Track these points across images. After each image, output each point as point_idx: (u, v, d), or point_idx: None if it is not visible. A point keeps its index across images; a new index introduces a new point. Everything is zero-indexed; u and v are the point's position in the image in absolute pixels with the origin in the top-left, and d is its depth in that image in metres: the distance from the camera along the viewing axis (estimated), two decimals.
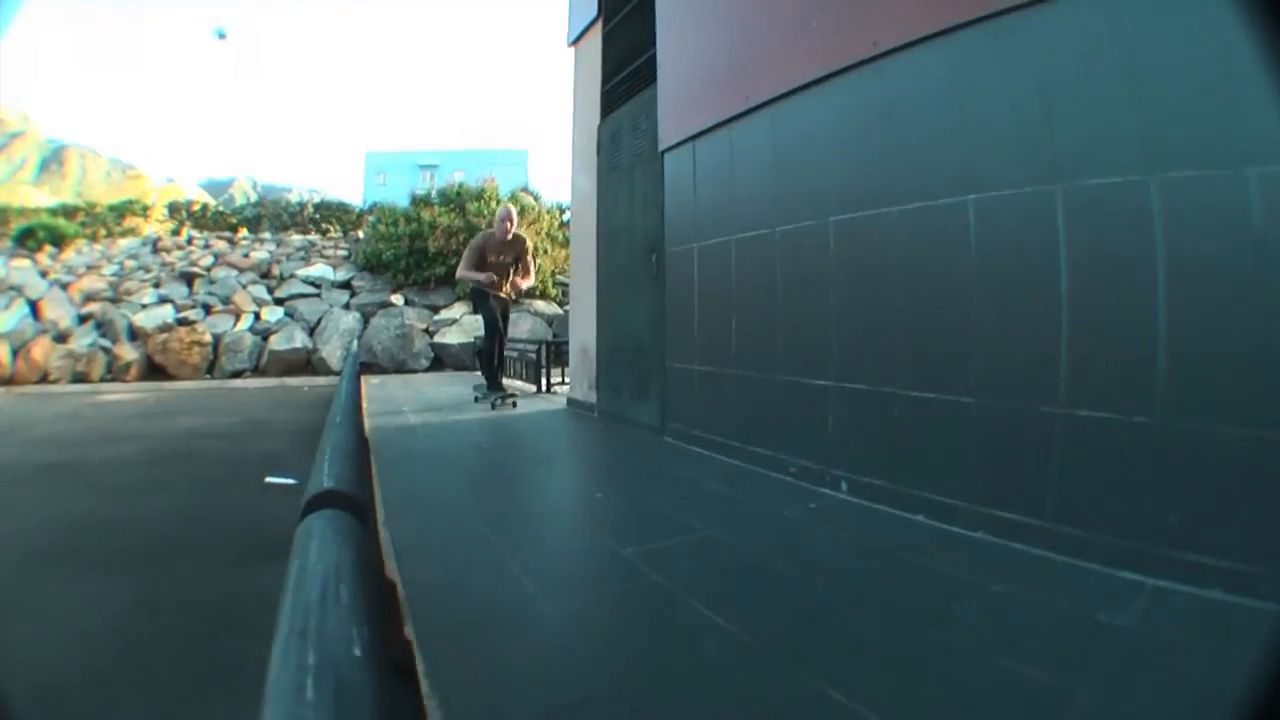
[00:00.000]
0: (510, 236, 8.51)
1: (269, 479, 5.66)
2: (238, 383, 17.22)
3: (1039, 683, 1.99)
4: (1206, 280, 2.61)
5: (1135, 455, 2.77)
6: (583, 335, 8.36)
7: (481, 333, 9.69)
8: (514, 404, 8.72)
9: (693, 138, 5.66)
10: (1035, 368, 3.11)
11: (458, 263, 26.08)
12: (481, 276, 8.30)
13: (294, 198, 34.98)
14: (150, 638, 2.91)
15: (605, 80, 7.73)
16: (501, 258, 8.53)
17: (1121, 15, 2.85)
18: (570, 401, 8.77)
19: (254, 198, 39.34)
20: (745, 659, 2.20)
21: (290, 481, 5.44)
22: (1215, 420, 2.56)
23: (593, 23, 8.16)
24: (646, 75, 6.60)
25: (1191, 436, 2.62)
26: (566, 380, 10.03)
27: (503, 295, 8.71)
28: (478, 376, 9.90)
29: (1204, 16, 2.59)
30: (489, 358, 8.96)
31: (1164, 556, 2.62)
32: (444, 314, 20.93)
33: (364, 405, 8.38)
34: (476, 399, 8.95)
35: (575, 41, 8.80)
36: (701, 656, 2.22)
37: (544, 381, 11.26)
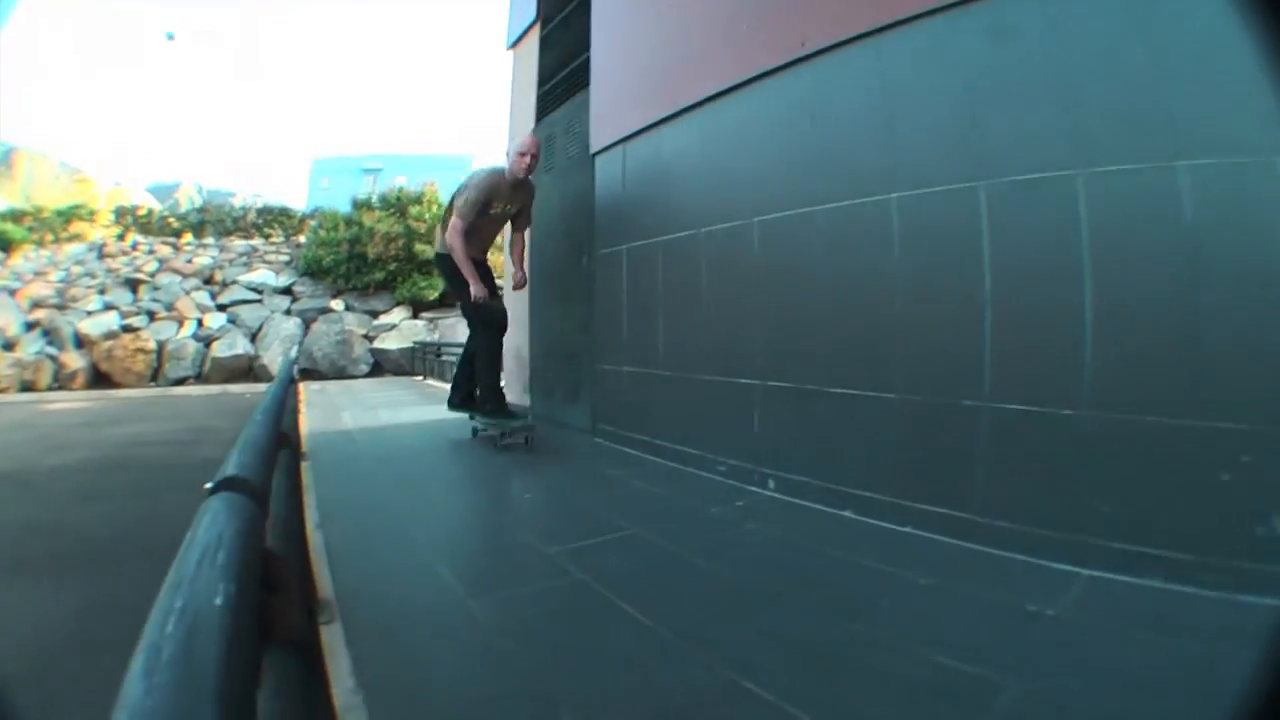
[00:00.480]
0: (527, 176, 5.69)
1: (208, 485, 5.47)
2: (181, 390, 17.21)
3: (966, 674, 1.92)
4: (1134, 273, 2.56)
5: (1063, 447, 2.71)
6: (516, 339, 8.09)
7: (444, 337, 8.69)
8: (528, 440, 5.60)
9: (623, 140, 5.52)
10: (958, 362, 3.04)
11: (397, 269, 25.33)
12: (476, 287, 5.39)
13: (238, 202, 34.46)
14: (101, 640, 2.78)
15: (541, 84, 7.58)
16: (507, 208, 5.77)
17: (1052, 15, 2.79)
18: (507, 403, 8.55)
19: (199, 202, 38.55)
20: (664, 653, 2.13)
21: None
22: (1146, 411, 2.50)
23: (531, 26, 8.01)
24: (581, 79, 6.46)
25: (1121, 428, 2.56)
26: (503, 383, 9.88)
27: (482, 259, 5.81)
28: (421, 384, 9.21)
29: (1136, 15, 2.55)
30: (490, 368, 5.79)
31: (1098, 547, 2.55)
32: (383, 319, 20.77)
33: (302, 410, 8.21)
34: (476, 433, 6.05)
35: (514, 45, 8.64)
36: (621, 651, 2.15)
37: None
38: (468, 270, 5.41)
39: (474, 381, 5.91)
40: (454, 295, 5.99)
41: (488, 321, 5.69)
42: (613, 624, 2.34)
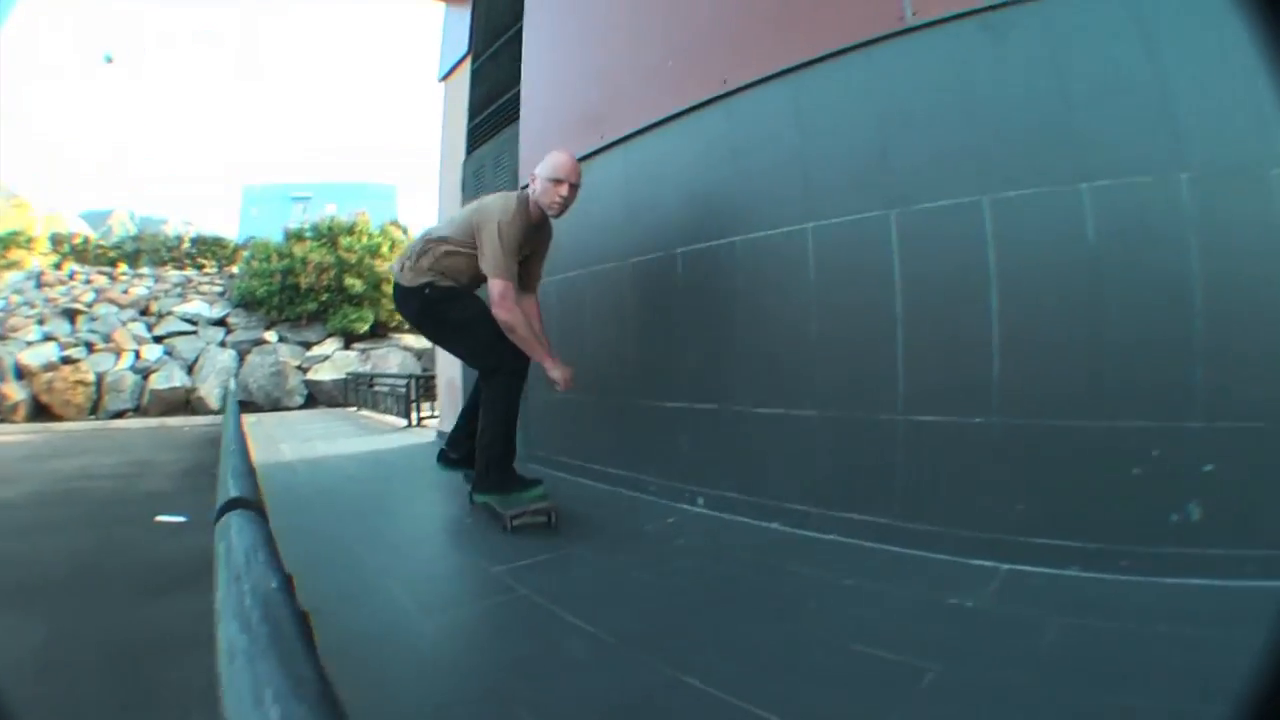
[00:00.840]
0: (560, 213, 3.90)
1: (159, 518, 5.59)
2: (120, 423, 16.90)
3: (890, 661, 2.00)
4: (1040, 288, 2.70)
5: (976, 453, 2.81)
6: (450, 369, 8.08)
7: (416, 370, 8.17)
8: (551, 519, 3.74)
9: None
10: (873, 379, 3.13)
11: (329, 300, 25.02)
12: (559, 371, 3.83)
13: (170, 230, 33.79)
14: (74, 668, 2.83)
15: (472, 116, 7.55)
16: (529, 245, 4.00)
17: (961, 51, 2.93)
18: (440, 434, 8.43)
19: (132, 230, 37.60)
20: (608, 656, 2.20)
21: (180, 519, 5.51)
22: (1056, 415, 2.63)
23: (462, 59, 8.02)
24: (511, 112, 6.45)
25: (1032, 432, 2.68)
26: (436, 413, 9.84)
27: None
28: (355, 415, 8.84)
29: (1043, 48, 2.72)
30: (500, 435, 3.85)
31: (1016, 543, 2.65)
32: (316, 350, 20.53)
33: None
34: (474, 501, 4.08)
35: (446, 77, 8.64)
36: (568, 657, 2.22)
37: (413, 415, 11.02)
38: (538, 351, 3.77)
39: (481, 435, 3.91)
40: (433, 337, 4.45)
41: (500, 367, 3.80)
42: (559, 633, 2.40)
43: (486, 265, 3.67)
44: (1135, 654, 1.93)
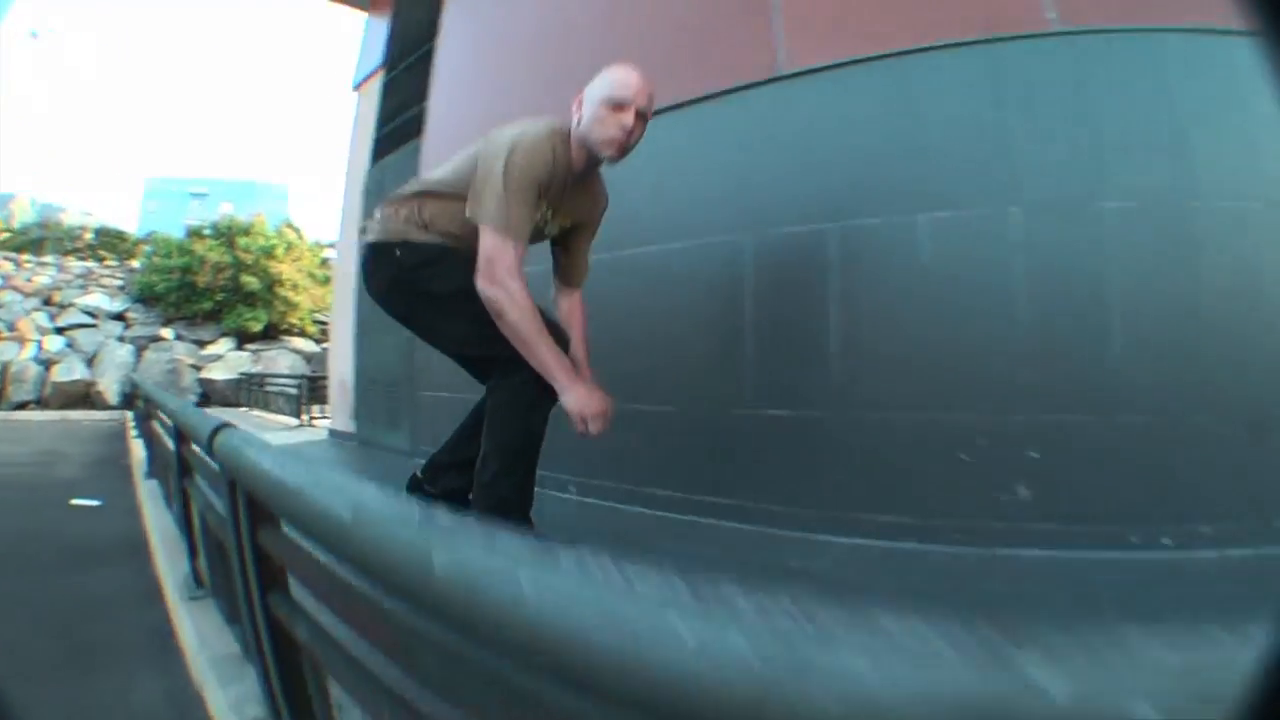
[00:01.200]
0: (618, 156, 2.36)
1: (74, 501, 5.85)
2: (23, 415, 16.46)
3: None
4: (875, 300, 3.07)
5: (816, 441, 3.14)
6: (341, 369, 8.09)
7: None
8: None
9: None
10: (726, 379, 3.46)
11: (224, 299, 24.53)
12: (575, 394, 2.33)
13: (68, 219, 32.57)
14: (14, 632, 2.93)
15: (379, 128, 7.59)
16: (548, 213, 2.48)
17: (824, 98, 3.31)
18: (332, 432, 8.54)
19: (34, 216, 36.06)
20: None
21: (95, 503, 5.78)
22: (890, 409, 2.97)
23: (376, 70, 8.05)
24: (417, 127, 6.54)
25: (864, 423, 3.02)
26: (327, 415, 9.89)
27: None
28: (248, 415, 8.42)
29: (898, 97, 3.12)
30: (517, 458, 2.47)
31: (855, 519, 2.94)
32: (210, 349, 20.07)
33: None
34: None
35: (359, 86, 8.65)
36: None
37: (304, 415, 11.03)
38: (549, 360, 2.28)
39: (482, 467, 2.45)
40: (409, 321, 2.71)
41: (515, 358, 2.31)
42: None
43: (479, 208, 2.26)
44: (955, 607, 2.29)
